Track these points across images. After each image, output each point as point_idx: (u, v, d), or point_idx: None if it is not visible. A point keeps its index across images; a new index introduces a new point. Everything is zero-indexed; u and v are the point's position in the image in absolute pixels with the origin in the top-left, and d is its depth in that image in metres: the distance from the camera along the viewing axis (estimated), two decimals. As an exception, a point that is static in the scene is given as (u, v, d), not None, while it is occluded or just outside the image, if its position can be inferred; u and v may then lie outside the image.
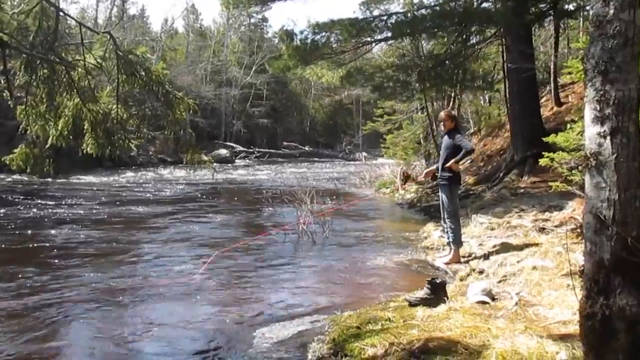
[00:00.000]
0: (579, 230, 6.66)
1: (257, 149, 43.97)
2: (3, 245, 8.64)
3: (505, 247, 7.22)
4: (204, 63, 49.08)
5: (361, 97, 49.36)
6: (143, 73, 5.57)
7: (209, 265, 7.49)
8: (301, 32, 13.74)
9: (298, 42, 13.56)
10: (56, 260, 7.68)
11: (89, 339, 4.94)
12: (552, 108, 16.21)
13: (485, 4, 13.91)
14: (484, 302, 5.04)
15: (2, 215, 11.65)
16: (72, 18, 9.14)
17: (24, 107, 5.54)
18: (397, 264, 7.65)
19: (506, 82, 14.23)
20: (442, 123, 7.77)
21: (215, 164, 7.76)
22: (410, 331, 4.35)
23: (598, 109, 2.76)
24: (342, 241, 9.40)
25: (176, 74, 41.05)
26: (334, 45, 13.60)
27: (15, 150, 5.69)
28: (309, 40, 13.37)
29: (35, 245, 8.77)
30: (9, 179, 19.62)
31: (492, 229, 8.58)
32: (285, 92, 55.70)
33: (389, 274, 7.22)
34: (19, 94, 5.86)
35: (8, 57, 5.28)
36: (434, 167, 8.08)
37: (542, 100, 16.46)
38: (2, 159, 5.83)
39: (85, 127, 5.58)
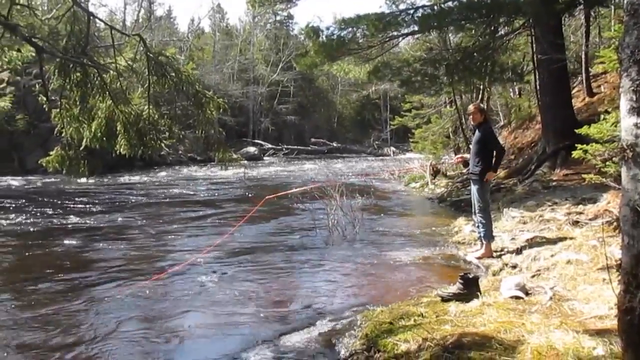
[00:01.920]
0: (614, 223, 6.56)
1: (285, 146, 44.11)
2: (41, 241, 8.86)
3: (538, 241, 7.13)
4: (231, 62, 49.36)
5: (389, 92, 49.16)
6: (173, 74, 5.63)
7: (241, 260, 7.58)
8: (327, 28, 13.65)
9: (324, 38, 13.53)
10: (99, 264, 7.84)
11: (128, 342, 5.01)
12: (584, 99, 15.93)
13: (513, -5, 13.70)
14: (517, 297, 4.99)
15: (43, 214, 11.89)
16: (103, 21, 9.26)
17: (58, 110, 5.64)
18: (428, 259, 7.62)
19: (536, 73, 14.02)
20: (470, 116, 7.73)
21: (244, 162, 7.80)
22: (443, 326, 4.33)
23: (634, 99, 2.70)
24: (372, 236, 9.38)
25: (204, 74, 41.37)
26: (360, 41, 13.53)
27: (50, 153, 5.80)
28: (335, 36, 13.32)
29: (72, 243, 8.97)
30: (45, 181, 20.01)
31: (525, 223, 8.48)
32: (312, 88, 55.70)
33: (420, 269, 7.19)
34: (53, 97, 5.97)
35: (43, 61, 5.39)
36: (467, 155, 8.03)
37: (574, 91, 16.19)
38: (39, 161, 5.94)
39: (118, 128, 5.66)
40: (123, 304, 5.82)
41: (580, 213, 8.03)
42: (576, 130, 7.80)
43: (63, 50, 5.48)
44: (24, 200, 14.54)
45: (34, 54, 5.57)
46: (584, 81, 16.26)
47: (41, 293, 6.22)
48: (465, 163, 8.02)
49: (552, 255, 6.33)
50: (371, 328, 4.64)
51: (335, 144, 48.55)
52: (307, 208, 11.61)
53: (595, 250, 6.03)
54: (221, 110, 6.27)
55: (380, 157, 40.56)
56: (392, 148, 45.46)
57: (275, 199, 10.74)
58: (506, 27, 13.87)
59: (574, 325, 4.12)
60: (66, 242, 9.01)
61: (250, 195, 16.05)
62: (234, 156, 6.87)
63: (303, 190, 11.55)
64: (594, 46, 17.80)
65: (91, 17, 6.09)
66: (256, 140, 44.29)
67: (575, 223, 7.57)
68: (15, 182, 20.25)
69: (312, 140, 48.48)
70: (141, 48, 5.71)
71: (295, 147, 44.71)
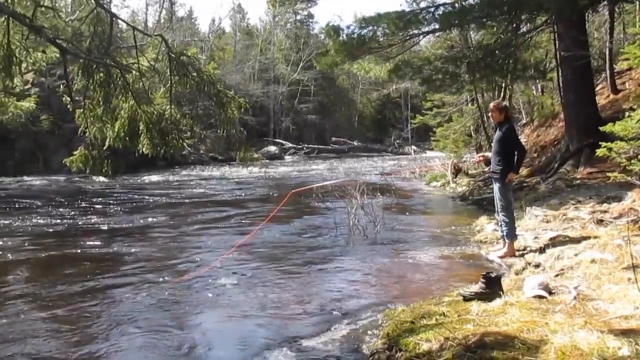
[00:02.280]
0: None
1: (305, 145, 44.17)
2: (66, 239, 8.99)
3: (561, 240, 7.06)
4: (252, 61, 49.58)
5: (409, 91, 48.98)
6: (195, 74, 5.67)
7: (261, 260, 7.62)
8: (347, 27, 13.65)
9: (344, 37, 13.52)
10: (127, 266, 7.93)
11: (148, 340, 5.05)
12: (608, 96, 15.71)
13: (535, -9, 13.57)
14: (541, 297, 4.94)
15: (66, 214, 12.05)
16: (125, 22, 9.38)
17: (82, 110, 5.72)
18: (449, 258, 7.58)
19: (559, 70, 13.85)
20: (491, 114, 7.68)
21: (265, 161, 7.84)
22: (465, 326, 4.31)
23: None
24: (393, 235, 9.36)
25: (225, 73, 41.63)
26: (381, 39, 13.50)
27: (74, 152, 5.88)
28: (355, 35, 13.32)
29: (97, 241, 9.08)
30: (70, 180, 20.29)
31: (548, 222, 8.39)
32: (332, 87, 55.71)
33: (442, 268, 7.16)
34: (77, 98, 6.05)
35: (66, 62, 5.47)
36: (488, 153, 7.97)
37: (598, 87, 15.97)
38: (63, 161, 6.02)
39: (141, 128, 5.72)
40: (142, 305, 5.84)
41: (605, 212, 7.93)
42: (600, 128, 7.70)
43: (86, 51, 5.56)
44: (47, 201, 14.76)
45: (58, 55, 5.65)
46: (608, 78, 16.03)
47: (59, 293, 6.25)
48: (487, 161, 7.96)
49: (576, 254, 6.26)
50: (392, 327, 4.63)
51: (355, 143, 48.53)
52: (327, 207, 11.63)
53: (620, 249, 5.95)
54: (242, 109, 6.32)
55: (401, 156, 40.46)
56: (413, 147, 45.29)
57: (301, 197, 10.78)
58: (528, 24, 13.74)
59: (599, 325, 4.07)
60: (87, 242, 9.07)
61: (274, 194, 16.12)
62: (255, 155, 6.92)
63: (325, 187, 11.55)
64: (618, 42, 17.54)
65: (114, 18, 6.15)
66: (277, 140, 44.44)
67: (600, 222, 7.48)
68: (39, 182, 20.55)
69: (333, 139, 48.51)
70: (163, 48, 5.77)
71: (316, 146, 44.76)
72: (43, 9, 6.00)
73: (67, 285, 6.52)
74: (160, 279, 6.76)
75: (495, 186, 7.51)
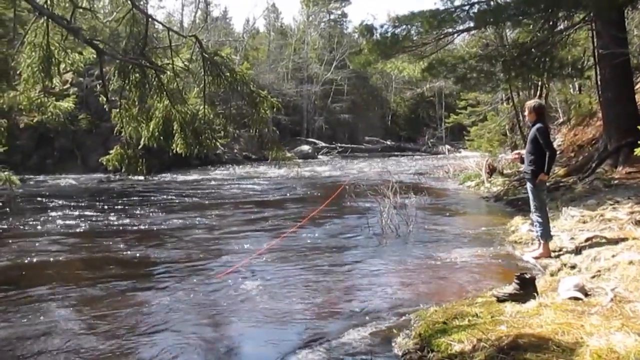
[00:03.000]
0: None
1: (339, 144, 44.20)
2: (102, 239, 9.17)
3: (598, 241, 6.93)
4: (285, 61, 49.76)
5: (443, 89, 48.60)
6: (228, 74, 5.72)
7: (294, 260, 7.66)
8: (381, 26, 13.62)
9: (378, 36, 13.50)
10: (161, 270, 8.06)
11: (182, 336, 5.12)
12: (647, 94, 15.37)
13: (573, -12, 13.33)
14: (576, 298, 4.86)
15: (101, 213, 12.30)
16: (161, 23, 9.48)
17: (118, 110, 5.81)
18: (483, 258, 7.50)
19: (597, 68, 13.60)
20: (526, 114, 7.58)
21: (298, 160, 7.87)
22: (498, 327, 4.26)
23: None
24: (426, 235, 9.31)
25: (258, 73, 41.90)
26: (414, 38, 13.44)
27: (110, 151, 5.97)
28: (389, 34, 13.28)
29: (130, 240, 9.25)
30: (106, 179, 20.69)
31: (584, 222, 8.25)
32: (366, 86, 55.64)
33: (475, 268, 7.09)
34: (113, 98, 6.16)
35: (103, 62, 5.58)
36: (523, 151, 7.87)
37: (637, 86, 15.62)
38: (99, 160, 6.13)
39: (175, 127, 5.79)
40: (174, 305, 5.91)
41: (644, 212, 7.76)
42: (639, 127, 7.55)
43: (122, 51, 5.65)
44: (82, 199, 15.08)
45: (95, 56, 5.76)
46: (648, 76, 15.70)
47: (92, 293, 6.35)
48: (522, 159, 7.86)
49: (613, 256, 6.13)
50: (425, 328, 4.61)
51: (389, 142, 48.36)
52: (360, 206, 11.60)
53: (660, 251, 5.82)
54: (275, 109, 6.33)
55: (435, 156, 40.18)
56: (447, 146, 44.95)
57: (349, 194, 10.90)
58: (565, 22, 13.51)
59: (636, 327, 3.98)
60: (120, 242, 9.17)
61: (309, 193, 16.17)
62: (288, 155, 6.93)
63: (358, 187, 11.56)
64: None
65: (149, 19, 6.24)
66: (310, 139, 44.53)
67: (638, 222, 7.32)
68: (76, 180, 21.00)
69: (366, 138, 48.43)
70: (197, 49, 5.83)
71: (349, 145, 44.76)
72: (81, 10, 6.11)
73: (99, 285, 6.61)
74: (194, 280, 6.83)
75: (528, 186, 7.43)
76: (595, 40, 13.45)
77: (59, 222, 11.07)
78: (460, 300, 5.44)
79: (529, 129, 7.79)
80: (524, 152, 7.78)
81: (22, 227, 10.55)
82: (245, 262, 7.43)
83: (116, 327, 5.17)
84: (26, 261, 7.82)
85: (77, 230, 10.36)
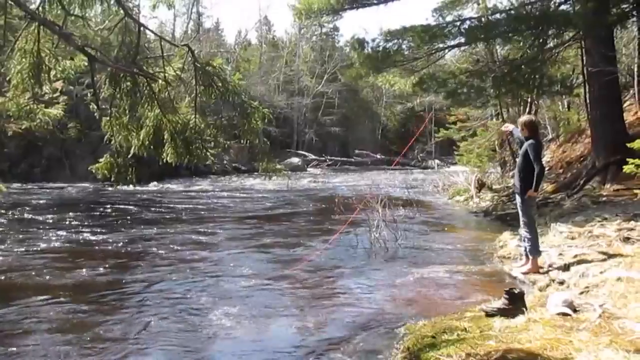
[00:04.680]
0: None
1: (329, 157, 44.23)
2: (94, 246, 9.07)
3: (587, 258, 6.94)
4: (277, 73, 49.85)
5: (434, 104, 48.75)
6: (220, 84, 5.71)
7: (281, 271, 7.63)
8: (373, 40, 13.72)
9: (369, 50, 13.59)
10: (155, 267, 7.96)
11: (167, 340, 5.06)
12: (636, 112, 15.50)
13: (563, 7, 13.48)
14: (565, 314, 4.86)
15: (84, 224, 12.19)
16: (153, 32, 9.45)
17: (108, 118, 5.78)
18: (472, 273, 7.50)
19: (586, 86, 13.73)
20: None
21: (288, 172, 7.84)
22: (487, 342, 4.25)
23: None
24: (415, 250, 9.29)
25: (250, 84, 41.88)
26: (406, 53, 13.54)
27: (100, 160, 5.92)
28: (380, 48, 13.38)
29: (124, 249, 9.16)
30: (94, 187, 20.56)
31: (573, 239, 8.27)
32: (356, 100, 55.74)
33: (464, 283, 7.08)
34: (103, 106, 6.11)
35: (95, 70, 5.55)
36: (512, 126, 7.95)
37: (625, 104, 15.76)
38: (89, 168, 6.08)
39: (165, 137, 5.76)
40: (156, 316, 5.86)
41: (632, 229, 7.80)
42: (628, 144, 7.61)
43: (114, 59, 5.63)
44: (65, 208, 14.86)
45: (86, 64, 5.73)
46: (636, 94, 15.86)
47: (71, 313, 6.31)
48: (510, 137, 7.95)
49: (601, 272, 6.15)
50: (413, 342, 4.59)
51: (379, 156, 48.44)
52: (349, 221, 11.58)
53: (648, 268, 5.84)
54: (266, 120, 6.32)
55: (425, 170, 40.28)
56: (437, 161, 45.09)
57: (324, 209, 10.75)
58: (555, 39, 13.64)
59: (625, 344, 3.99)
60: (98, 259, 8.64)
61: (303, 208, 16.12)
62: (278, 166, 6.89)
63: (347, 201, 11.51)
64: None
65: (142, 28, 6.22)
66: (300, 151, 44.53)
67: (626, 239, 7.36)
68: (65, 189, 20.85)
69: (356, 151, 48.50)
70: (189, 58, 5.81)
71: (339, 158, 44.82)
72: (73, 18, 6.08)
73: (78, 303, 6.53)
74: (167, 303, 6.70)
75: (518, 201, 7.43)
76: (584, 58, 13.60)
77: (39, 232, 10.81)
78: (449, 314, 5.42)
79: (518, 144, 7.80)
80: (512, 127, 7.83)
81: None
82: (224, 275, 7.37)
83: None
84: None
85: (52, 245, 9.71)
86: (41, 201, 16.46)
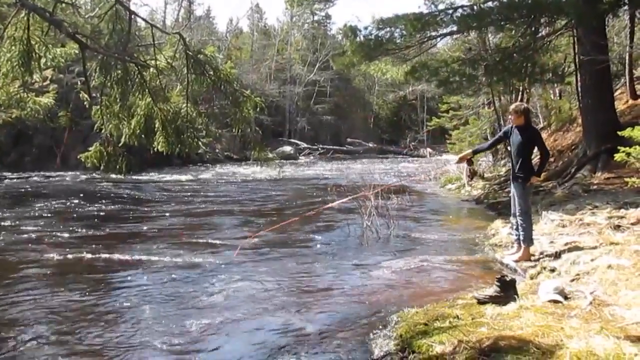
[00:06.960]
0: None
1: (321, 146, 44.21)
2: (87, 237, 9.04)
3: (577, 245, 6.98)
4: (268, 61, 49.71)
5: (426, 93, 48.86)
6: (212, 72, 5.69)
7: (273, 259, 7.61)
8: (365, 28, 13.65)
9: (362, 38, 13.51)
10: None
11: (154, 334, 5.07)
12: (627, 101, 15.56)
13: (555, -5, 13.46)
14: (556, 301, 4.89)
15: (85, 209, 12.14)
16: (144, 20, 9.37)
17: (98, 107, 5.75)
18: (463, 261, 7.54)
19: (578, 74, 13.74)
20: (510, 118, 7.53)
21: (280, 161, 7.83)
22: (479, 329, 4.28)
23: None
24: (407, 237, 9.33)
25: (241, 73, 41.72)
26: (398, 41, 13.47)
27: (90, 149, 5.90)
28: (372, 36, 13.31)
29: (111, 240, 9.13)
30: (84, 176, 20.46)
31: (564, 227, 8.31)
32: (349, 88, 55.71)
33: (456, 271, 7.11)
34: (94, 95, 6.08)
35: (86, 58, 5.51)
36: (469, 151, 7.95)
37: (617, 93, 15.81)
38: (78, 157, 6.05)
39: (156, 125, 5.74)
40: (148, 299, 5.86)
41: (622, 217, 7.84)
42: (619, 133, 7.63)
43: (105, 47, 5.59)
44: (56, 198, 14.77)
45: (77, 52, 5.69)
46: (628, 83, 15.89)
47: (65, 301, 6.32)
48: (469, 161, 7.94)
49: (592, 260, 6.19)
50: (406, 329, 4.61)
51: (371, 144, 48.47)
52: (341, 208, 11.59)
53: (638, 255, 5.88)
54: (258, 109, 6.31)
55: (417, 158, 40.37)
56: (429, 149, 45.20)
57: (315, 197, 10.72)
58: (547, 28, 13.66)
59: (615, 330, 4.02)
60: (85, 248, 8.55)
61: (295, 194, 16.11)
62: (270, 155, 6.91)
63: (339, 189, 11.50)
64: (638, 47, 17.34)
65: (132, 16, 6.18)
66: (292, 140, 44.51)
67: (617, 227, 7.40)
68: (55, 177, 20.74)
69: (348, 140, 48.51)
70: (181, 46, 5.79)
71: (331, 147, 44.81)
72: (63, 5, 6.03)
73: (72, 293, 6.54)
74: (167, 277, 6.74)
75: (517, 190, 7.33)
76: (576, 46, 13.59)
77: (27, 222, 10.74)
78: (441, 302, 5.45)
79: (505, 134, 7.62)
80: (469, 152, 7.83)
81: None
82: (223, 258, 7.36)
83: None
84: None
85: (39, 235, 9.51)
86: (29, 189, 16.38)
